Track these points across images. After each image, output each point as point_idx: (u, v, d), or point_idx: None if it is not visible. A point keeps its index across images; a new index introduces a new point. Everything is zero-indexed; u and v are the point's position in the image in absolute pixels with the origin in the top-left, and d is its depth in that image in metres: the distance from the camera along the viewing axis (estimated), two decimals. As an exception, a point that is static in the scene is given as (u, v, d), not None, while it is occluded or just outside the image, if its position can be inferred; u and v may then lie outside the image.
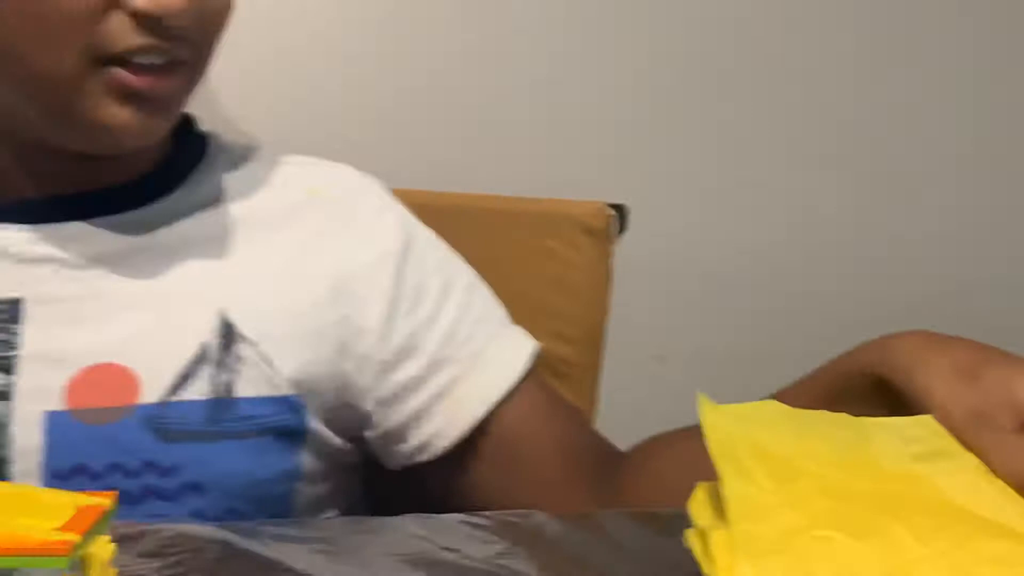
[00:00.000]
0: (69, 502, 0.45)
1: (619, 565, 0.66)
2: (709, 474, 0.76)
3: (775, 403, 0.65)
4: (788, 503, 0.56)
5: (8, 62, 0.81)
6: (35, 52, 0.79)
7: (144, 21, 0.78)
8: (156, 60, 0.80)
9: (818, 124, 1.50)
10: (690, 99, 1.45)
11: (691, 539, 0.58)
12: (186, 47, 0.82)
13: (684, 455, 0.86)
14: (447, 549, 0.67)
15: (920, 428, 0.63)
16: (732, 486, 0.57)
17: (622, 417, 1.03)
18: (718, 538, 0.55)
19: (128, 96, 0.80)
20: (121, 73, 0.79)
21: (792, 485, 0.57)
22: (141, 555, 0.65)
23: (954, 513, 0.57)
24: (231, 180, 0.92)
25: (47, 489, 0.50)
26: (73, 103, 0.80)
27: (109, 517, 0.46)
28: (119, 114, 0.80)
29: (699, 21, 1.44)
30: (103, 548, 0.44)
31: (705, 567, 0.55)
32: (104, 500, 0.47)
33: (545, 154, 1.41)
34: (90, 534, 0.44)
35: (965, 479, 0.60)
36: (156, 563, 0.64)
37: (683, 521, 0.71)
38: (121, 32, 0.78)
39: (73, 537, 0.42)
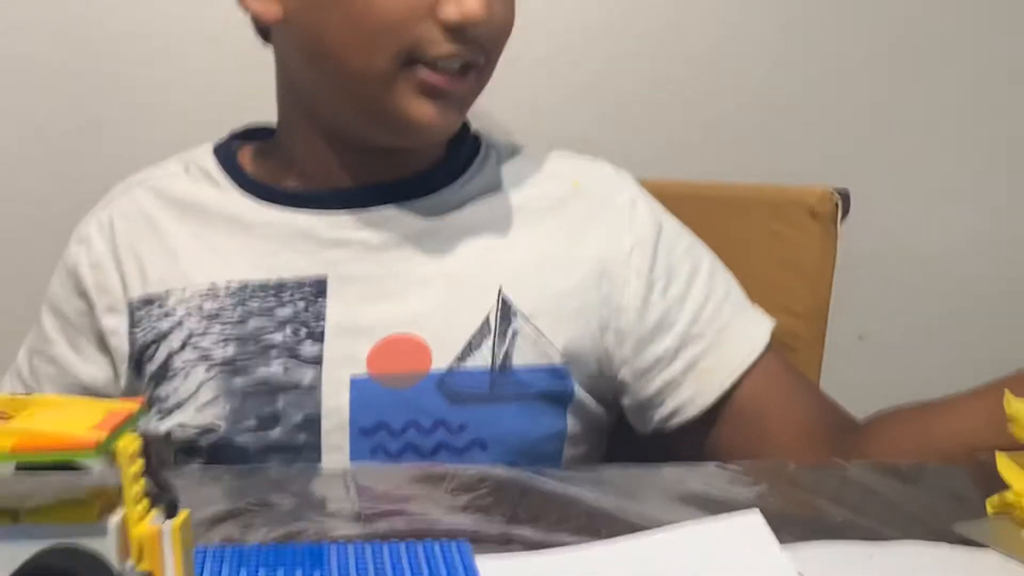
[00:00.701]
0: (102, 408, 0.50)
1: (871, 506, 0.73)
2: (938, 443, 0.88)
3: None
4: None
5: (329, 62, 0.93)
6: (354, 54, 0.91)
7: (451, 30, 0.90)
8: (456, 64, 0.92)
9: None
10: (911, 91, 1.50)
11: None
12: (479, 53, 0.93)
13: (918, 426, 0.93)
14: (714, 489, 0.76)
15: None
16: None
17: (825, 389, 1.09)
18: None
19: (431, 93, 0.92)
20: (427, 73, 0.91)
21: None
22: (454, 490, 0.76)
23: None
24: (503, 173, 1.03)
25: (84, 399, 0.54)
26: (384, 99, 0.92)
27: (136, 418, 0.50)
28: (423, 109, 0.92)
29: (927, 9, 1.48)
30: (130, 442, 0.48)
31: None
32: (133, 404, 0.51)
33: (774, 142, 1.48)
34: (118, 432, 0.48)
35: None
36: (468, 496, 0.75)
37: (924, 472, 0.79)
38: (432, 39, 0.90)
39: (101, 434, 0.46)
